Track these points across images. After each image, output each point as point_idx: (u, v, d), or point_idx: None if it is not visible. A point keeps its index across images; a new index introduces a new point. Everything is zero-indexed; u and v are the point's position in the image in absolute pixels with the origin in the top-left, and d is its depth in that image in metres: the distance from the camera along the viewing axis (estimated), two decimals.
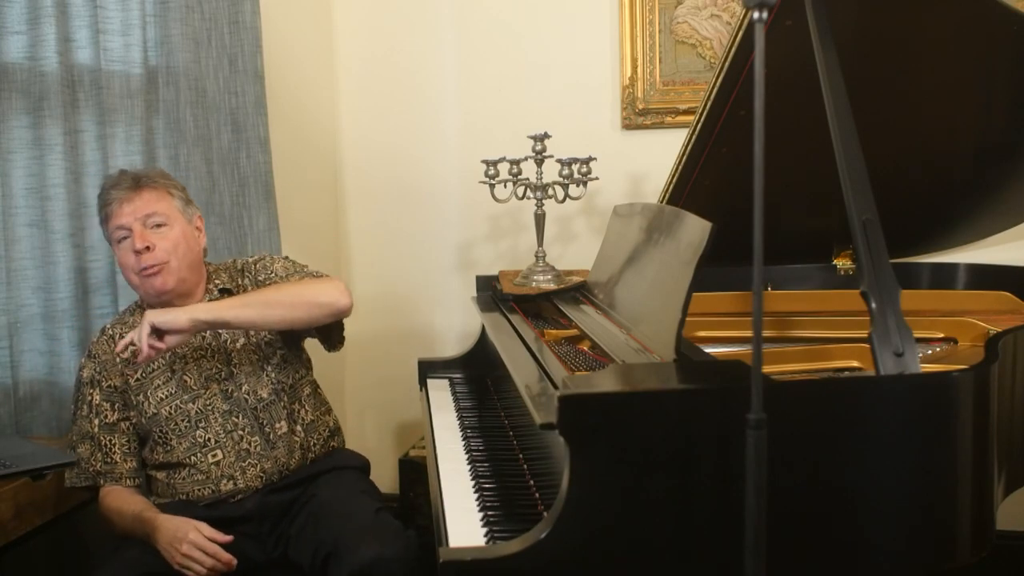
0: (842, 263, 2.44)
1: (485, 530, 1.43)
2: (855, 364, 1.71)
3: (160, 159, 2.22)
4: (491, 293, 2.47)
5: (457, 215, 2.94)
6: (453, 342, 2.94)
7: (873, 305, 1.37)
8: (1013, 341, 1.60)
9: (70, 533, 2.11)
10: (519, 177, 2.51)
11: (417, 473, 2.69)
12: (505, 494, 1.58)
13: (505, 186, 2.51)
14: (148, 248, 1.83)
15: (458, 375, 2.41)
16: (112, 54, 2.13)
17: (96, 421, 1.88)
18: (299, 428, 1.96)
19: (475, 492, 1.60)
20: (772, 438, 1.04)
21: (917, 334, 1.40)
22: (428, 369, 2.43)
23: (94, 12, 2.07)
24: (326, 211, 2.94)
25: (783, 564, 1.20)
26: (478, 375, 2.35)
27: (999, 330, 1.71)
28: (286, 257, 2.06)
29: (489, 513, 1.50)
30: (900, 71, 1.94)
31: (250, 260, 2.04)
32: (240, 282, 1.99)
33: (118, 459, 1.88)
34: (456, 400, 2.22)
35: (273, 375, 1.95)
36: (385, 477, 2.85)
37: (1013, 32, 1.87)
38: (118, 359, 1.88)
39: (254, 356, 1.94)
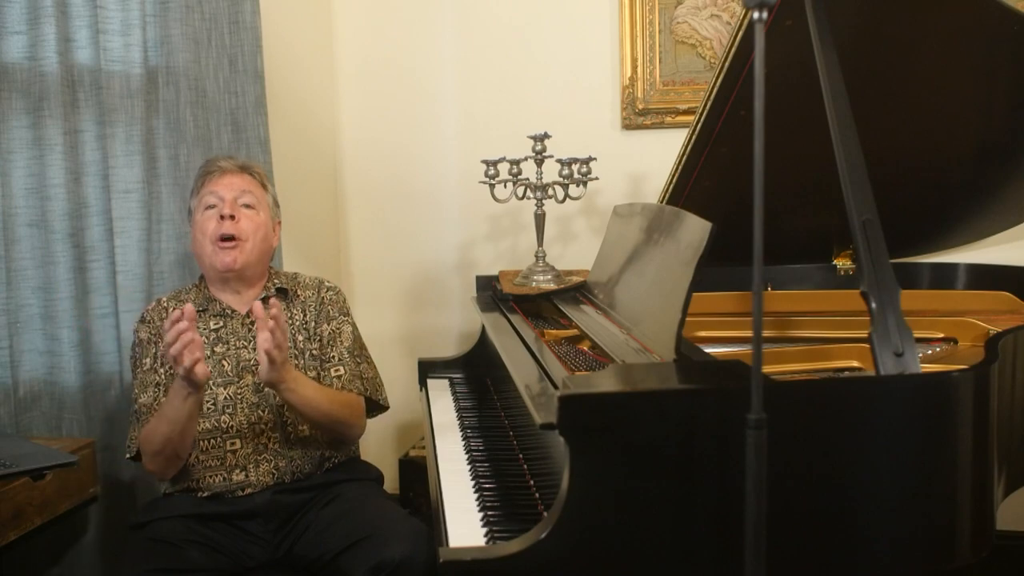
0: (842, 263, 2.45)
1: (485, 530, 1.43)
2: (855, 364, 1.71)
3: (160, 159, 2.22)
4: (491, 293, 2.47)
5: (457, 215, 2.94)
6: (453, 342, 2.94)
7: (873, 305, 1.37)
8: (1013, 341, 1.60)
9: (70, 533, 2.11)
10: (519, 177, 2.51)
11: (417, 473, 2.69)
12: (505, 494, 1.58)
13: (505, 186, 2.51)
14: (233, 218, 1.92)
15: (458, 375, 2.41)
16: (112, 54, 2.13)
17: (163, 371, 1.90)
18: (320, 436, 1.95)
19: (475, 492, 1.60)
20: (772, 438, 1.04)
21: (917, 334, 1.40)
22: (428, 369, 2.43)
23: (94, 12, 2.07)
24: (326, 211, 2.94)
25: (783, 564, 1.21)
26: (478, 375, 2.35)
27: (999, 330, 1.71)
28: (354, 329, 2.07)
29: (489, 513, 1.50)
30: (900, 71, 1.94)
31: (326, 284, 2.08)
32: (299, 293, 2.04)
33: None
34: (456, 400, 2.22)
35: None
36: (385, 477, 2.85)
37: (1013, 32, 1.87)
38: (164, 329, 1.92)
39: (294, 362, 1.94)
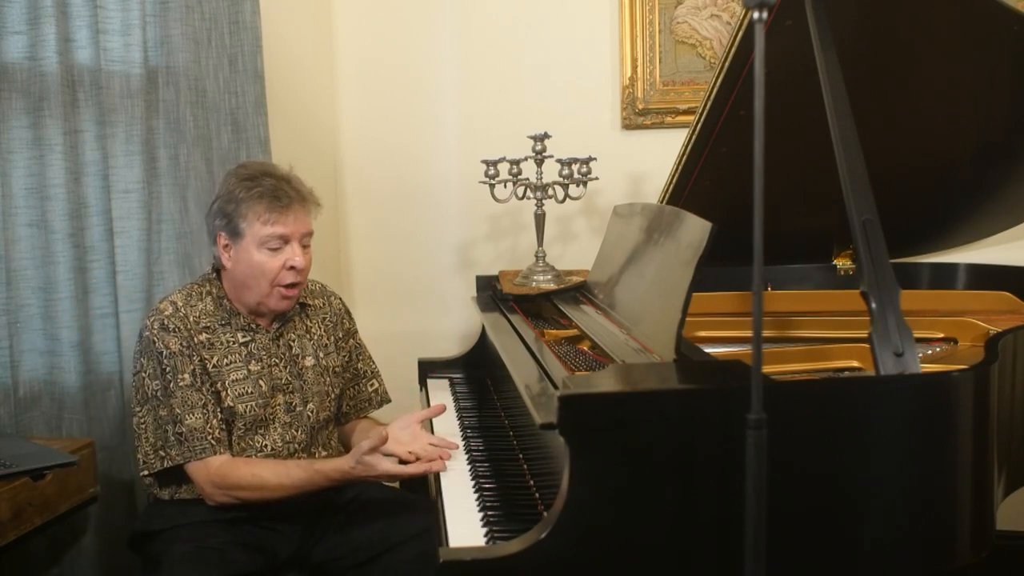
0: (842, 263, 2.45)
1: (485, 530, 1.43)
2: (855, 364, 1.71)
3: (160, 159, 2.22)
4: (491, 293, 2.47)
5: (457, 215, 2.93)
6: (453, 342, 2.93)
7: (873, 305, 1.37)
8: (1013, 341, 1.60)
9: (70, 533, 2.11)
10: (519, 177, 2.51)
11: None
12: (505, 494, 1.58)
13: (505, 186, 2.51)
14: (302, 267, 1.85)
15: (458, 375, 2.41)
16: (112, 54, 2.12)
17: (205, 389, 1.81)
18: (334, 451, 1.99)
19: (475, 492, 1.60)
20: (772, 438, 1.04)
21: (917, 334, 1.40)
22: (428, 369, 2.44)
23: (94, 12, 2.07)
24: (326, 211, 2.91)
25: (783, 564, 1.20)
26: (478, 375, 2.35)
27: (999, 330, 1.71)
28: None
29: (489, 513, 1.50)
30: (900, 71, 1.94)
31: (328, 289, 2.08)
32: (310, 302, 2.00)
33: (226, 426, 1.83)
34: (456, 400, 2.22)
35: (334, 403, 1.98)
36: None
37: (1013, 32, 1.87)
38: (195, 339, 1.83)
39: (322, 379, 1.95)
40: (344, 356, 2.04)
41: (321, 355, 1.97)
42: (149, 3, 2.18)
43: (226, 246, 1.86)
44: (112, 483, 2.13)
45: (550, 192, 2.51)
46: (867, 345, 1.38)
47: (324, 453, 1.94)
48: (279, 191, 1.83)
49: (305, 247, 1.87)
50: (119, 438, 2.14)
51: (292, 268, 1.83)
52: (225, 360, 1.85)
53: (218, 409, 1.82)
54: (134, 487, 2.19)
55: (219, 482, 1.77)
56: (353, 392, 2.07)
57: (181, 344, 1.81)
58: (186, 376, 1.80)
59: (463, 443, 1.88)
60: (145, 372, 1.82)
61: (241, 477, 1.77)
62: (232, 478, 1.77)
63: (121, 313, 2.14)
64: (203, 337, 1.84)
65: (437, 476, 1.71)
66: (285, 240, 1.83)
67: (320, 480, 1.75)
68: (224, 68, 2.31)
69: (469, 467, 1.74)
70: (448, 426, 2.01)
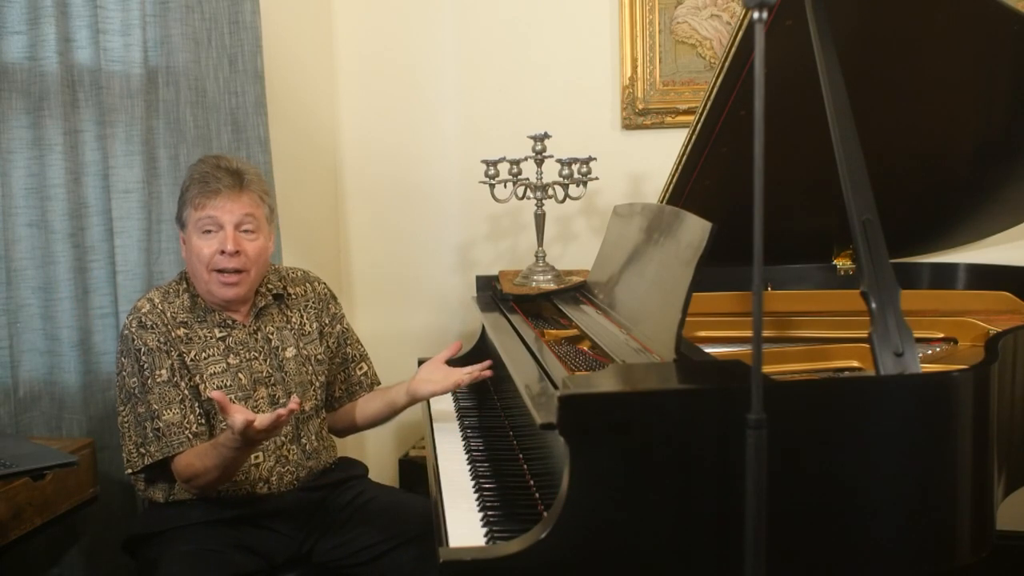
0: (842, 263, 2.45)
1: (485, 530, 1.43)
2: (855, 364, 1.71)
3: (160, 159, 2.22)
4: (491, 293, 2.47)
5: (457, 215, 2.94)
6: (453, 342, 2.93)
7: (873, 305, 1.37)
8: (1013, 341, 1.60)
9: (70, 533, 2.11)
10: (519, 177, 2.51)
11: (417, 473, 2.69)
12: (505, 494, 1.58)
13: (505, 186, 2.51)
14: (237, 252, 1.81)
15: None
16: (112, 54, 2.12)
17: (183, 384, 1.80)
18: (324, 441, 2.00)
19: (475, 492, 1.60)
20: (772, 438, 1.04)
21: (917, 334, 1.40)
22: None
23: (94, 12, 2.07)
24: (326, 210, 2.94)
25: (783, 564, 1.21)
26: None
27: (999, 330, 1.71)
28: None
29: (489, 513, 1.50)
30: (900, 71, 1.94)
31: (311, 275, 2.08)
32: (290, 290, 2.00)
33: (205, 420, 1.81)
34: (456, 400, 2.22)
35: (319, 392, 1.98)
36: (385, 477, 2.85)
37: (1013, 32, 1.87)
38: (173, 334, 1.82)
39: (304, 369, 1.95)
40: (332, 342, 2.04)
41: (302, 344, 1.97)
42: (149, 3, 2.18)
43: (183, 240, 1.89)
44: (112, 483, 2.13)
45: (550, 192, 2.51)
46: (867, 345, 1.38)
47: (315, 443, 1.94)
48: (208, 176, 1.82)
49: (249, 232, 1.83)
50: (119, 438, 2.14)
51: (225, 253, 1.79)
52: (203, 354, 1.85)
53: (196, 404, 1.81)
54: (134, 487, 2.19)
55: (185, 476, 1.76)
56: (343, 377, 2.09)
57: (159, 340, 1.82)
58: (163, 372, 1.80)
59: (463, 443, 1.89)
60: (125, 371, 1.83)
61: (184, 466, 1.75)
62: (183, 468, 1.75)
63: (121, 313, 2.14)
64: (181, 332, 1.85)
65: (437, 476, 1.71)
66: (218, 225, 1.81)
67: (224, 450, 1.67)
68: (224, 68, 2.31)
69: (469, 467, 1.74)
70: (448, 426, 2.02)
